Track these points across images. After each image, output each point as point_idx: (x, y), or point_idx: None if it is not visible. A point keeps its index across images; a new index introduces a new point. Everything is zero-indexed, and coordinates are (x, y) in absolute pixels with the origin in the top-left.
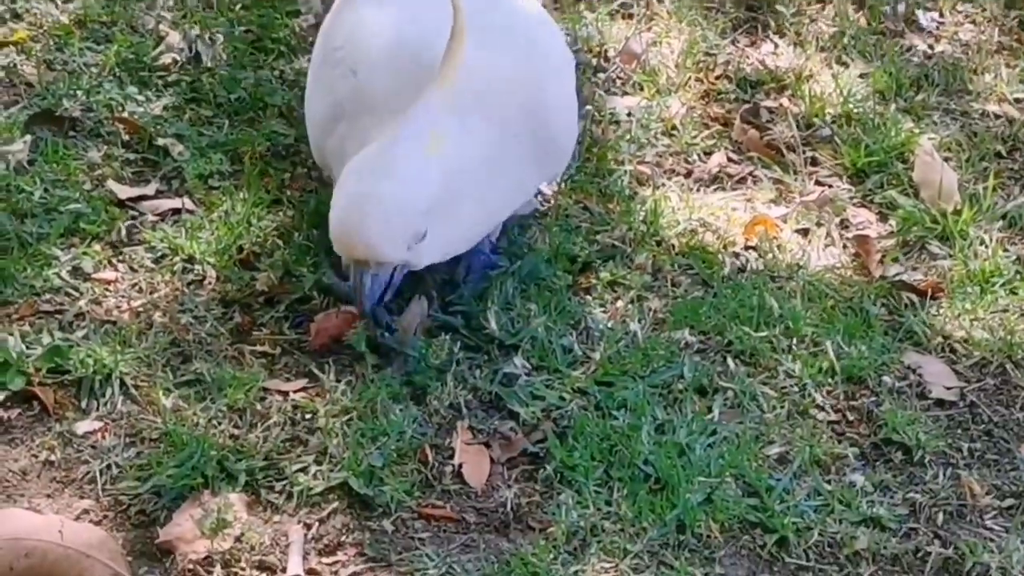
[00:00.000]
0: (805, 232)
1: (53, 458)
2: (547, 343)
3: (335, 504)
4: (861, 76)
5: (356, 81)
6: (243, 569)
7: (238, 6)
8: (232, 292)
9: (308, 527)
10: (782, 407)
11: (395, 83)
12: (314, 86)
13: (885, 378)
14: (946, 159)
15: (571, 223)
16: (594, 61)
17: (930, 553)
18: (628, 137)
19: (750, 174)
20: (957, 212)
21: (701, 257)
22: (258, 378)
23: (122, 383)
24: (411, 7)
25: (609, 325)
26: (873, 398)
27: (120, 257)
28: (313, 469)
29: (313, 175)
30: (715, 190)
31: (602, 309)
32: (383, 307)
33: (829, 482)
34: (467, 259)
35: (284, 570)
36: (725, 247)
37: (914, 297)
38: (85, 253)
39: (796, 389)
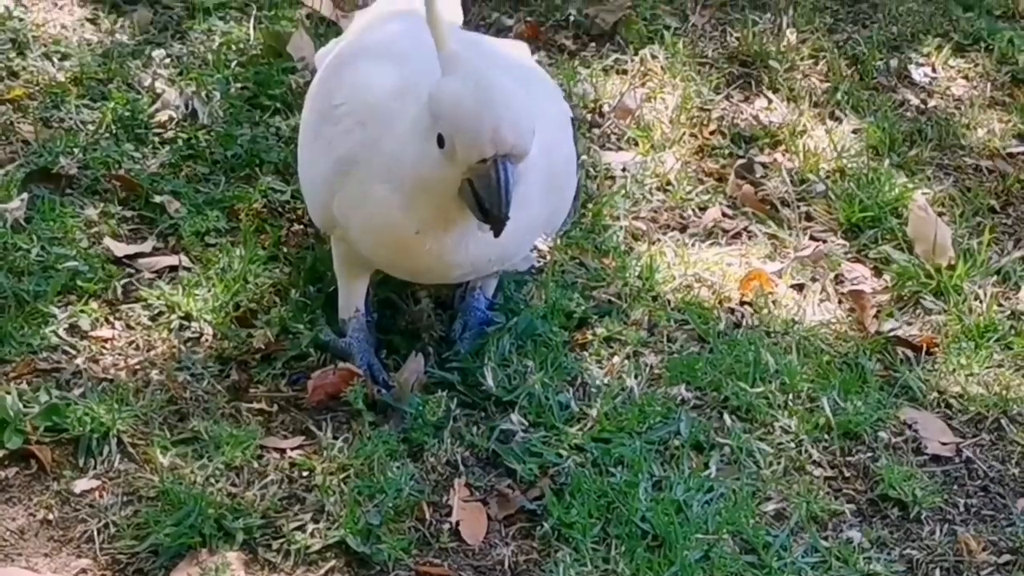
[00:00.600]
0: (800, 287)
1: (51, 517)
2: (544, 400)
3: (332, 562)
4: (854, 131)
5: (366, 133)
6: None
7: (234, 63)
8: (229, 349)
9: None
10: (779, 463)
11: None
12: (312, 147)
13: (881, 434)
14: (940, 214)
15: (567, 279)
16: (589, 116)
17: None
18: (623, 192)
19: (745, 229)
20: (951, 267)
21: (697, 312)
22: (255, 435)
23: (119, 441)
24: (411, 61)
25: (606, 381)
26: (869, 454)
27: (117, 315)
28: (311, 527)
29: (309, 232)
30: (710, 245)
31: (599, 365)
32: (380, 364)
33: (826, 538)
34: (463, 316)
35: None
36: (720, 302)
37: (909, 352)
38: (82, 311)
39: (792, 445)
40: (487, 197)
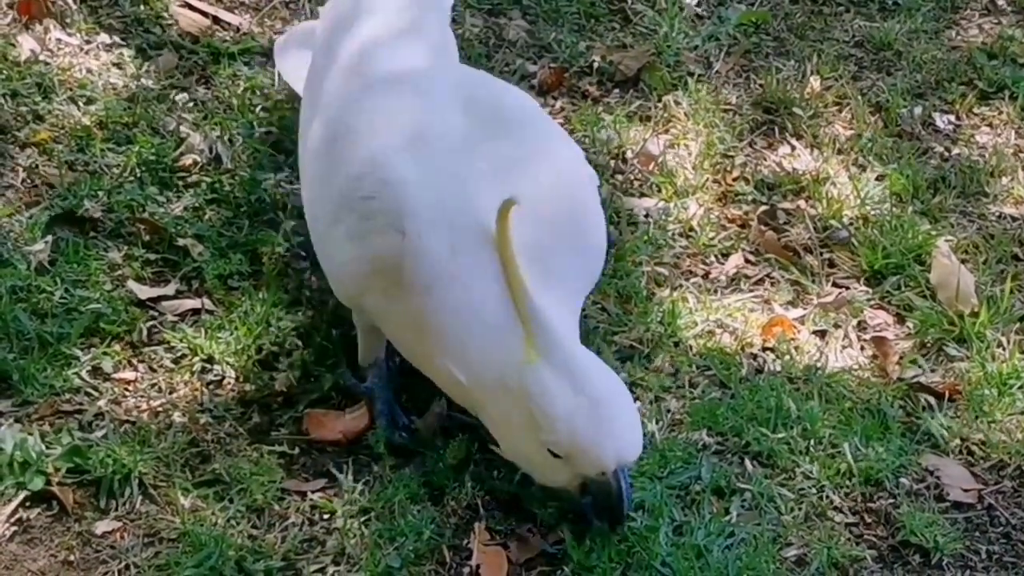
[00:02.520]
0: (823, 334)
1: (72, 558)
2: None
3: None
4: (878, 179)
5: (407, 243)
6: None
7: (258, 108)
8: (251, 392)
9: None
10: (800, 509)
11: (454, 240)
12: (332, 229)
13: (903, 480)
14: (963, 261)
15: (589, 324)
16: (612, 163)
17: None
18: (646, 238)
19: (767, 276)
20: (974, 314)
21: (719, 358)
22: (277, 478)
23: (141, 483)
24: (431, 107)
25: None
26: (891, 500)
27: (140, 357)
28: (331, 570)
29: None
30: (732, 291)
31: None
32: (400, 408)
33: None
34: None
35: None
36: (743, 348)
37: (932, 399)
38: (105, 353)
39: (814, 491)
40: (605, 505)
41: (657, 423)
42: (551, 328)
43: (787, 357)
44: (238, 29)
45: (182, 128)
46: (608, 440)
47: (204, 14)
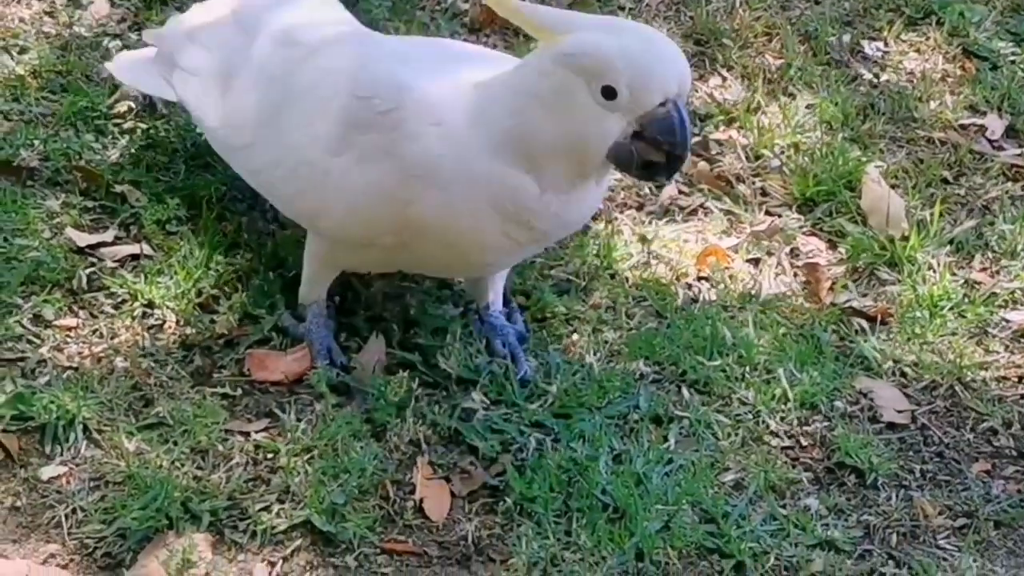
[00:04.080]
0: (756, 262)
1: (19, 504)
2: (504, 378)
3: (298, 542)
4: (808, 107)
5: (445, 128)
6: None
7: None
8: (192, 336)
9: (272, 565)
10: (737, 434)
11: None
12: (333, 167)
13: (837, 403)
14: (893, 186)
15: (525, 259)
16: None
17: (885, 574)
18: None
19: (701, 206)
20: (905, 238)
21: (654, 289)
22: (220, 419)
23: (85, 428)
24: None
25: (566, 358)
26: (826, 423)
27: (80, 304)
28: (276, 508)
29: (269, 217)
30: (667, 222)
31: (558, 343)
32: (339, 347)
33: (784, 507)
34: (499, 339)
35: None
36: (678, 278)
37: (864, 323)
38: (46, 301)
39: (750, 416)
40: (671, 138)
41: (595, 354)
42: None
43: (721, 286)
44: None
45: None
46: (668, 64)
47: None
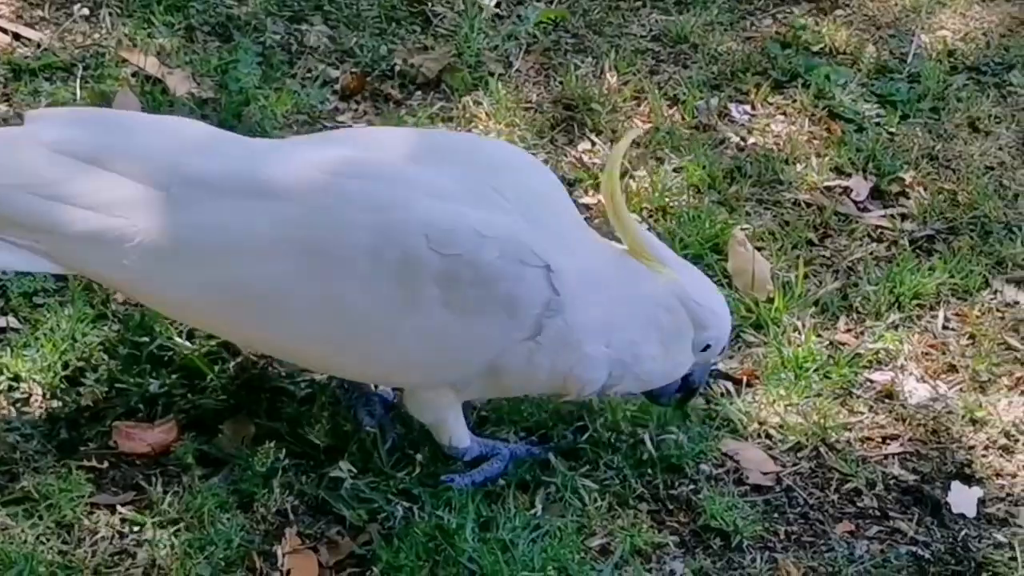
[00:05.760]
0: None
1: None
2: (371, 446)
3: None
4: (676, 170)
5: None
6: None
7: None
8: (58, 408)
9: None
10: (603, 499)
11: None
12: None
13: (703, 466)
14: (759, 248)
15: None
16: None
17: None
18: None
19: None
20: (770, 300)
21: None
22: (85, 493)
23: None
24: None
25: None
26: (691, 486)
27: None
28: None
29: None
30: None
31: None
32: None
33: (650, 571)
34: (364, 408)
35: None
36: None
37: (730, 385)
38: None
39: (617, 481)
40: (701, 381)
41: None
42: (654, 241)
43: None
44: (39, 45)
45: None
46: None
47: (3, 31)
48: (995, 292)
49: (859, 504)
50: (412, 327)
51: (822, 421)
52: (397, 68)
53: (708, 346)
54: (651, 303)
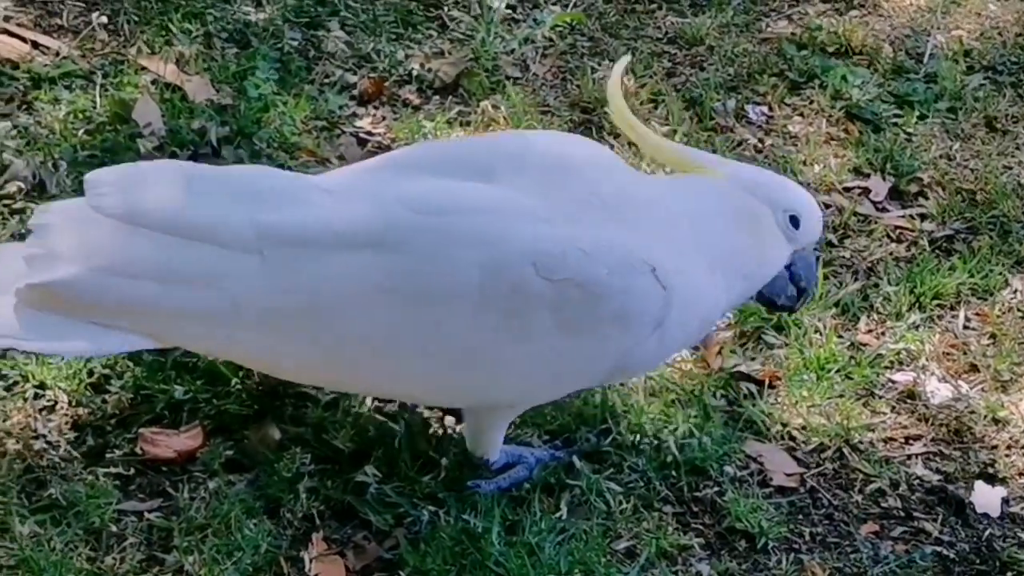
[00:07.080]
0: None
1: None
2: (396, 451)
3: None
4: None
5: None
6: None
7: (81, 132)
8: (84, 416)
9: None
10: (628, 502)
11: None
12: (565, 348)
13: (727, 468)
14: None
15: None
16: None
17: None
18: None
19: None
20: None
21: None
22: (113, 499)
23: None
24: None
25: (458, 430)
26: (716, 488)
27: None
28: None
29: None
30: None
31: (452, 415)
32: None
33: (676, 573)
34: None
35: None
36: None
37: (753, 387)
38: None
39: (641, 483)
40: (810, 276)
41: None
42: (690, 151)
43: None
44: (58, 53)
45: (5, 155)
46: (820, 212)
47: (23, 39)
48: (1015, 291)
49: (883, 505)
50: (526, 354)
51: (845, 422)
52: (414, 73)
53: (798, 221)
54: (721, 203)
